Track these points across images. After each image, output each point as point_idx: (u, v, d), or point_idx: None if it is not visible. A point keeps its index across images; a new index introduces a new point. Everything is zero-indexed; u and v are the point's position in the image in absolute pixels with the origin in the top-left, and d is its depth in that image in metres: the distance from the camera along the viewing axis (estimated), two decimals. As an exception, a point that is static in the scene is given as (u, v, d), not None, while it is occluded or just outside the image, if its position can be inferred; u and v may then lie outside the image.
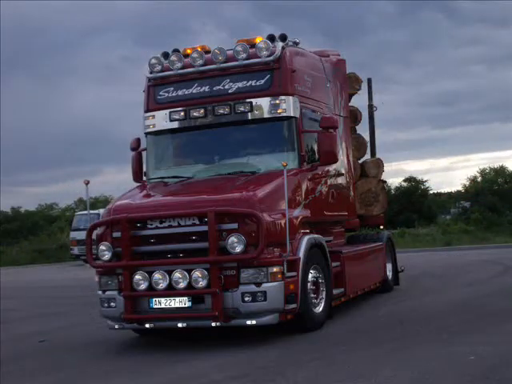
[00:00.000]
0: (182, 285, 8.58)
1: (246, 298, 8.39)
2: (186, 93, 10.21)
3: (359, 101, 14.44)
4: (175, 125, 10.26)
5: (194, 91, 10.17)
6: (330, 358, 7.59)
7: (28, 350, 9.75)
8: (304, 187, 9.83)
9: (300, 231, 9.31)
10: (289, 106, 9.78)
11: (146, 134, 10.60)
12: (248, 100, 9.83)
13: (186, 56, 10.24)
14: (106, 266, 9.05)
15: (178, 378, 7.29)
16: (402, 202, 45.74)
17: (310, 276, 9.26)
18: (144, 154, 10.74)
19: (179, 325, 8.73)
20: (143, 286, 8.75)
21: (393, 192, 46.11)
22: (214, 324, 8.50)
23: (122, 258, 8.84)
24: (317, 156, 10.14)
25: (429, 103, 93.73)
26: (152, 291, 8.73)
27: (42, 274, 28.83)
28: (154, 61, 10.33)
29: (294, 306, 8.70)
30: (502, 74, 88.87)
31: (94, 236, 9.21)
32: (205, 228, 8.52)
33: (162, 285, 8.66)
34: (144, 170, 10.70)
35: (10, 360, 8.98)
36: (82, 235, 24.04)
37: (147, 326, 8.92)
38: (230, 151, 10.28)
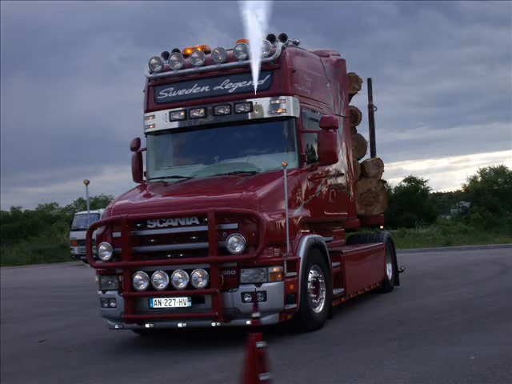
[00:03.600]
0: (182, 285, 8.58)
1: (246, 298, 8.39)
2: (186, 93, 10.23)
3: (359, 101, 14.45)
4: (175, 125, 10.27)
5: (194, 91, 10.18)
6: (329, 358, 7.59)
7: (28, 350, 9.75)
8: (304, 187, 9.83)
9: (300, 231, 9.31)
10: (289, 106, 9.78)
11: (146, 134, 10.62)
12: (248, 100, 9.84)
13: (186, 56, 10.26)
14: (106, 266, 9.05)
15: (178, 378, 7.28)
16: (402, 202, 45.63)
17: (310, 276, 9.26)
18: (144, 154, 10.77)
19: (179, 325, 8.73)
20: (143, 286, 8.75)
21: (393, 192, 46.01)
22: (214, 324, 8.50)
23: (122, 258, 8.84)
24: (317, 156, 10.15)
25: (429, 103, 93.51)
26: (152, 291, 8.73)
27: (41, 273, 28.81)
28: (154, 61, 10.34)
29: (293, 306, 8.71)
30: (502, 74, 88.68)
31: (94, 236, 9.21)
32: (205, 228, 8.53)
33: (162, 285, 8.66)
34: (144, 170, 10.72)
35: (10, 360, 8.98)
36: (82, 235, 24.03)
37: (147, 325, 8.92)
38: (230, 151, 10.28)
